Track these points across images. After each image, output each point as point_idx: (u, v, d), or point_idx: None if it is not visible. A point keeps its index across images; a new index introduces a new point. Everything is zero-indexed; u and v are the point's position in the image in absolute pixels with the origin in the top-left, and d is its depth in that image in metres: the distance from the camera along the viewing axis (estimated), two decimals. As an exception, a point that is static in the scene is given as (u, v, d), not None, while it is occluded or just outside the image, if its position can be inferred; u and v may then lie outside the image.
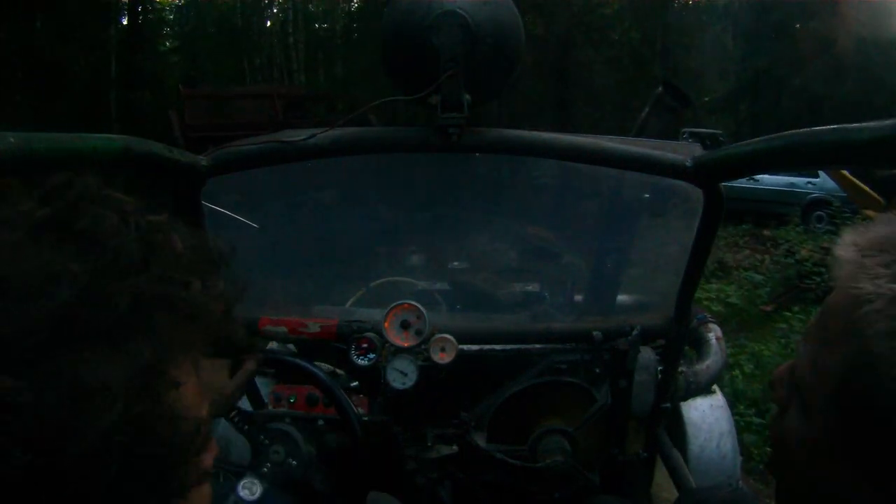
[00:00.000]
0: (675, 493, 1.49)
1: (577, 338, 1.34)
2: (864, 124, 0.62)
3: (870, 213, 6.49)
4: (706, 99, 15.87)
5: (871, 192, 7.39)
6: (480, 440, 1.33)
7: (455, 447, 1.33)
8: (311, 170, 1.40)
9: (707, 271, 5.97)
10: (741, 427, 3.09)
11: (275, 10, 20.38)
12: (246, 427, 1.21)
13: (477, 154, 1.24)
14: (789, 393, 0.56)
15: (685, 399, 1.51)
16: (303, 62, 18.54)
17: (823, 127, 0.69)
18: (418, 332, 1.29)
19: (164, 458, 0.36)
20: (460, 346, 1.30)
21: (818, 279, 5.40)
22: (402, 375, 1.27)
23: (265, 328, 1.31)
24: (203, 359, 0.42)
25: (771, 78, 14.45)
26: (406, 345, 1.28)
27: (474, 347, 1.35)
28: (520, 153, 1.15)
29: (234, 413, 1.20)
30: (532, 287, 1.93)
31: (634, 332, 1.29)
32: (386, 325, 1.29)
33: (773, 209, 8.90)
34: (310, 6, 20.26)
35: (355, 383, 1.31)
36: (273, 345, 1.53)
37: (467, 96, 1.04)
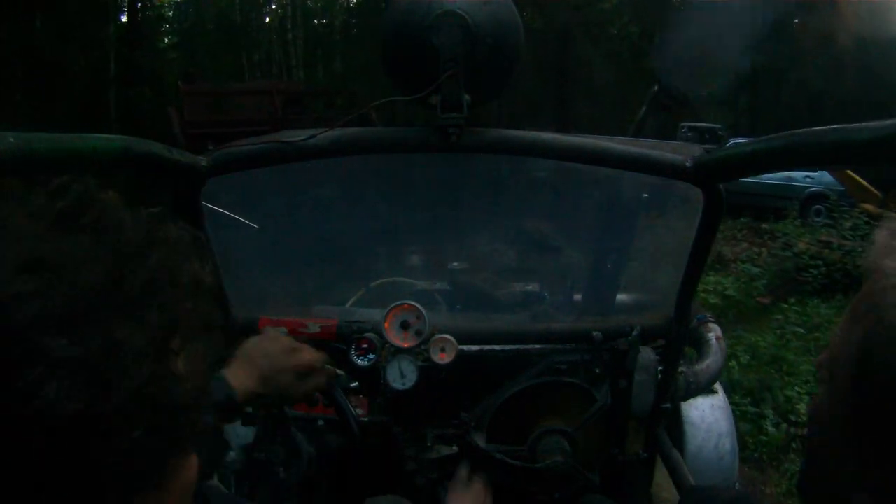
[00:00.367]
0: (675, 493, 1.49)
1: (577, 338, 1.34)
2: (865, 124, 0.62)
3: (867, 206, 6.54)
4: (705, 93, 15.89)
5: (868, 186, 7.45)
6: (480, 440, 1.33)
7: (455, 447, 1.33)
8: (311, 170, 1.40)
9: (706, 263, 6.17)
10: (736, 416, 3.00)
11: (273, 7, 20.38)
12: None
13: (477, 154, 1.23)
14: (828, 372, 0.57)
15: (685, 399, 1.52)
16: (301, 58, 18.52)
17: (824, 127, 0.69)
18: (418, 333, 1.29)
19: (180, 414, 0.43)
20: (460, 347, 1.30)
21: (815, 272, 5.48)
22: (401, 376, 1.27)
23: (265, 328, 1.31)
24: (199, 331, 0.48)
25: (769, 73, 14.47)
26: (406, 345, 1.28)
27: (474, 348, 1.35)
28: (520, 153, 1.15)
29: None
30: (532, 287, 1.93)
31: (634, 332, 1.29)
32: (386, 325, 1.29)
33: (771, 203, 8.95)
34: (308, 2, 20.24)
35: (355, 384, 1.31)
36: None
37: (467, 96, 1.04)
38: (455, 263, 1.96)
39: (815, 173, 9.83)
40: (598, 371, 1.34)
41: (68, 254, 0.40)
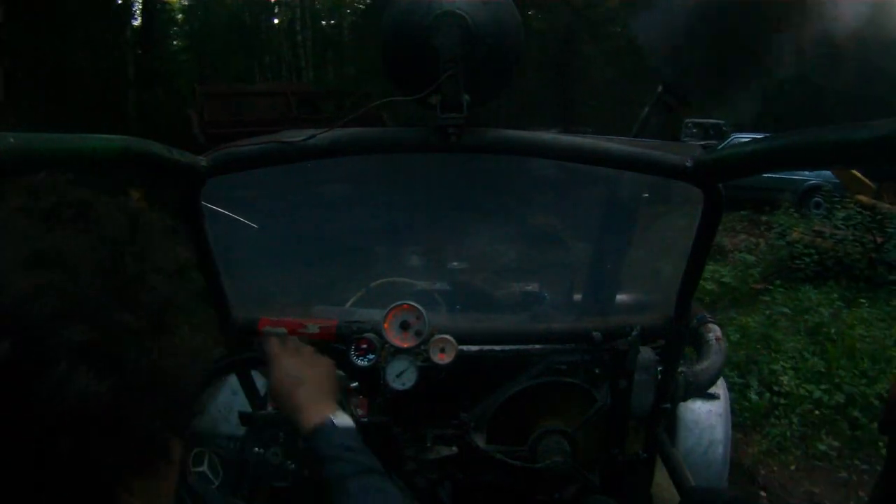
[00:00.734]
0: (675, 493, 1.49)
1: (577, 338, 1.34)
2: (864, 123, 0.61)
3: (861, 197, 6.65)
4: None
5: (863, 178, 7.58)
6: (480, 441, 1.33)
7: (455, 448, 1.33)
8: (311, 170, 1.40)
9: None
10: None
11: (282, 9, 20.30)
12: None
13: (477, 155, 1.23)
14: None
15: (685, 399, 1.51)
16: (311, 59, 18.44)
17: (823, 126, 0.69)
18: (418, 333, 1.29)
19: (180, 391, 0.46)
20: (460, 347, 1.29)
21: (808, 259, 5.73)
22: (401, 376, 1.27)
23: (265, 329, 1.31)
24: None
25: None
26: (405, 345, 1.28)
27: (474, 348, 1.35)
28: (519, 153, 1.15)
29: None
30: (532, 287, 1.92)
31: (634, 333, 1.29)
32: (385, 325, 1.29)
33: (771, 196, 9.04)
34: (316, 4, 20.13)
35: (355, 384, 1.31)
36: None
37: (467, 97, 1.04)
38: (455, 263, 1.96)
39: (815, 167, 9.91)
40: (597, 371, 1.34)
41: (63, 247, 0.42)
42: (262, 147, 1.12)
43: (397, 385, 1.26)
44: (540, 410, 1.36)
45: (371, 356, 1.28)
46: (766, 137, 0.84)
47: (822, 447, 3.19)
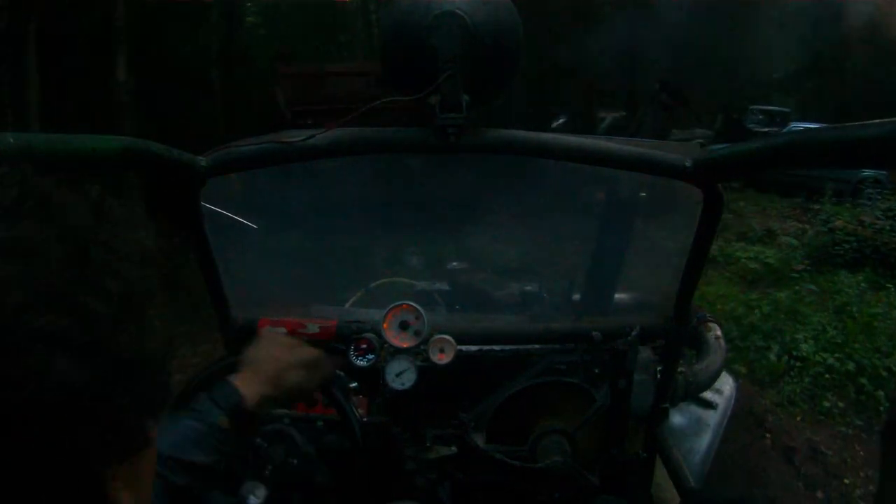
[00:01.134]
0: (675, 493, 1.49)
1: (577, 338, 1.34)
2: (866, 123, 0.61)
3: None
4: (774, 76, 15.90)
5: None
6: (480, 441, 1.33)
7: (454, 448, 1.33)
8: (311, 170, 1.40)
9: (755, 236, 7.06)
10: (751, 350, 4.17)
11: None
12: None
13: (476, 155, 1.23)
14: None
15: (685, 399, 1.51)
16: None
17: (824, 126, 0.69)
18: (417, 333, 1.29)
19: (154, 374, 0.47)
20: (459, 347, 1.30)
21: (847, 246, 6.10)
22: (401, 376, 1.27)
23: (265, 329, 1.31)
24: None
25: (831, 57, 14.36)
26: (405, 345, 1.28)
27: (473, 348, 1.35)
28: (519, 153, 1.15)
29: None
30: (531, 287, 1.93)
31: (634, 333, 1.29)
32: (385, 325, 1.29)
33: (826, 185, 9.12)
34: (388, -19, 19.16)
35: (354, 384, 1.31)
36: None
37: (466, 97, 1.04)
38: (454, 263, 1.96)
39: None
40: (597, 371, 1.34)
41: (28, 238, 0.42)
42: (262, 147, 1.12)
43: (397, 385, 1.26)
44: (540, 410, 1.36)
45: (371, 356, 1.28)
46: (766, 137, 0.84)
47: (827, 405, 3.58)
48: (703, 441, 1.77)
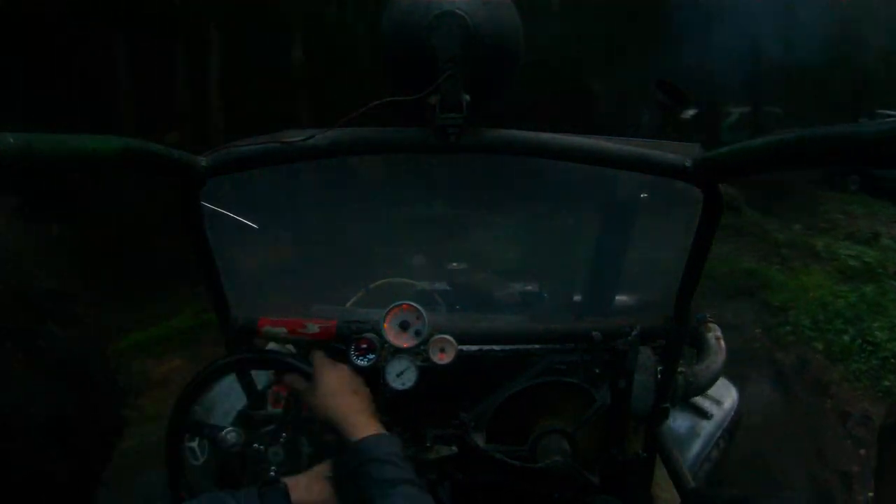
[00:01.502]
0: (675, 493, 1.49)
1: (577, 338, 1.34)
2: (867, 122, 0.61)
3: None
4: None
5: None
6: (480, 440, 1.33)
7: (454, 448, 1.33)
8: (311, 170, 1.40)
9: (861, 237, 7.47)
10: (831, 332, 4.72)
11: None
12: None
13: (476, 155, 1.23)
14: None
15: (685, 399, 1.51)
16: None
17: (825, 126, 0.69)
18: (417, 333, 1.29)
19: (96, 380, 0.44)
20: (460, 347, 1.30)
21: None
22: (401, 376, 1.27)
23: (265, 329, 1.31)
24: None
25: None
26: (405, 345, 1.28)
27: (474, 348, 1.35)
28: (519, 153, 1.15)
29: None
30: (531, 287, 1.93)
31: (634, 333, 1.29)
32: (385, 325, 1.29)
33: None
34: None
35: None
36: (272, 345, 1.53)
37: (466, 97, 1.04)
38: (454, 263, 1.96)
39: None
40: (597, 371, 1.34)
41: None
42: (262, 147, 1.12)
43: (397, 385, 1.27)
44: (540, 410, 1.36)
45: (371, 356, 1.28)
46: (766, 136, 0.83)
47: (888, 384, 4.07)
48: (692, 450, 1.76)
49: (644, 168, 1.14)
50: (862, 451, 3.46)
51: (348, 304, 1.76)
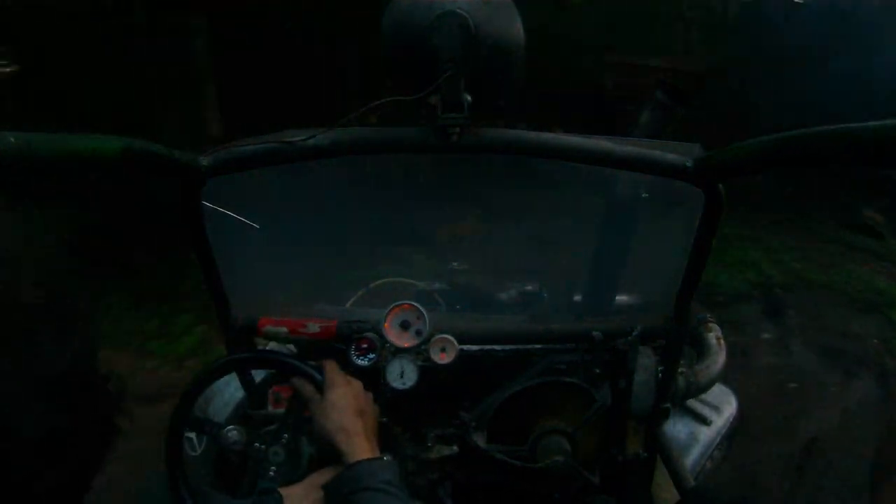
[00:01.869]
0: (675, 493, 1.49)
1: (577, 338, 1.34)
2: (866, 123, 0.61)
3: None
4: None
5: None
6: (480, 440, 1.33)
7: (455, 447, 1.33)
8: (312, 170, 1.39)
9: None
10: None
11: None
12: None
13: (477, 155, 1.23)
14: None
15: (686, 399, 1.51)
16: (696, 36, 15.57)
17: (825, 126, 0.69)
18: (418, 333, 1.29)
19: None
20: (460, 347, 1.30)
21: None
22: (401, 376, 1.27)
23: (265, 328, 1.31)
24: None
25: None
26: (406, 345, 1.28)
27: (474, 348, 1.35)
28: (520, 153, 1.15)
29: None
30: (532, 287, 1.92)
31: (634, 333, 1.29)
32: (386, 325, 1.29)
33: None
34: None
35: None
36: (273, 345, 1.53)
37: (467, 96, 1.04)
38: (455, 263, 1.96)
39: None
40: (597, 371, 1.34)
41: None
42: (263, 147, 1.12)
43: (398, 385, 1.27)
44: (540, 410, 1.36)
45: (371, 356, 1.28)
46: (766, 137, 0.83)
47: None
48: (691, 456, 1.76)
49: (644, 168, 1.14)
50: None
51: (349, 304, 1.76)
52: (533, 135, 1.13)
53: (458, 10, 1.00)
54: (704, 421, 1.82)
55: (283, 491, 1.05)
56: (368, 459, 1.03)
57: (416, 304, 1.30)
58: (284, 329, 1.30)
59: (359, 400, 1.15)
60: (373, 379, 1.26)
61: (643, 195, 1.56)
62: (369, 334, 1.29)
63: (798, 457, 3.18)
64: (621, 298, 1.70)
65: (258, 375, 1.43)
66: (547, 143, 1.13)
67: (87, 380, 0.46)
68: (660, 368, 1.34)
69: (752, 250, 5.95)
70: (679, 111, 1.48)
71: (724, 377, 1.59)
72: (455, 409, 1.34)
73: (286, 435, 1.21)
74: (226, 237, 1.31)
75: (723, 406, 1.89)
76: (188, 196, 1.14)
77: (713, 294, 5.38)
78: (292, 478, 1.17)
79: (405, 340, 1.28)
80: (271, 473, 1.18)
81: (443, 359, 1.28)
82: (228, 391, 1.73)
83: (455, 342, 1.29)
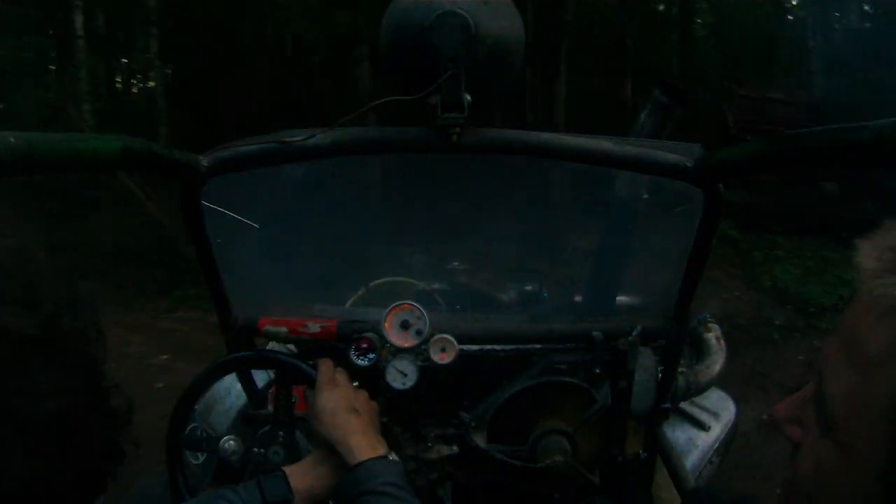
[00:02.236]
0: (675, 493, 1.49)
1: (577, 338, 1.34)
2: (866, 123, 0.61)
3: None
4: None
5: None
6: (480, 440, 1.33)
7: (455, 447, 1.33)
8: (312, 169, 1.40)
9: None
10: None
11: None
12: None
13: (477, 155, 1.23)
14: (815, 428, 0.47)
15: (685, 399, 1.51)
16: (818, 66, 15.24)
17: (825, 127, 0.69)
18: (418, 333, 1.29)
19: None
20: (460, 347, 1.30)
21: None
22: (401, 376, 1.27)
23: (265, 328, 1.31)
24: None
25: None
26: (406, 345, 1.28)
27: (474, 347, 1.35)
28: (520, 153, 1.15)
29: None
30: (532, 287, 1.92)
31: (634, 333, 1.29)
32: (386, 325, 1.29)
33: None
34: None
35: (355, 383, 1.31)
36: (273, 345, 1.53)
37: (467, 96, 1.04)
38: (455, 263, 1.96)
39: None
40: (598, 371, 1.34)
41: None
42: (263, 147, 1.12)
43: (397, 385, 1.27)
44: (540, 410, 1.36)
45: (371, 356, 1.28)
46: (766, 137, 0.83)
47: None
48: (690, 461, 1.75)
49: (644, 168, 1.14)
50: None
51: (349, 304, 1.76)
52: (533, 135, 1.13)
53: (457, 10, 0.99)
54: (703, 427, 1.82)
55: (287, 469, 1.03)
56: (370, 459, 1.00)
57: (415, 304, 1.30)
58: (284, 329, 1.30)
59: (349, 399, 1.11)
60: (373, 379, 1.26)
61: (644, 195, 1.56)
62: (369, 334, 1.29)
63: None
64: (621, 298, 1.70)
65: (261, 377, 1.44)
66: (547, 144, 1.13)
67: (87, 415, 0.45)
68: (660, 368, 1.34)
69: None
70: (678, 111, 1.48)
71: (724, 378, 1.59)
72: (455, 409, 1.34)
73: (281, 433, 1.21)
74: (226, 237, 1.31)
75: (721, 412, 1.89)
76: (188, 196, 1.14)
77: (806, 306, 5.73)
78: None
79: (405, 340, 1.28)
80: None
81: (443, 359, 1.28)
82: (229, 399, 1.73)
83: (455, 342, 1.29)
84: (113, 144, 0.81)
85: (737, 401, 1.96)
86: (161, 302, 6.40)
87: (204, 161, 1.10)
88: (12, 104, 9.13)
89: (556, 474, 1.31)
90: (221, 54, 9.19)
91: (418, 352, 1.28)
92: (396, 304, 1.31)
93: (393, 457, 1.05)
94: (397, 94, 1.09)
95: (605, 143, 1.13)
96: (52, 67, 10.79)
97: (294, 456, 1.20)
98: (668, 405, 1.40)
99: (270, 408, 1.30)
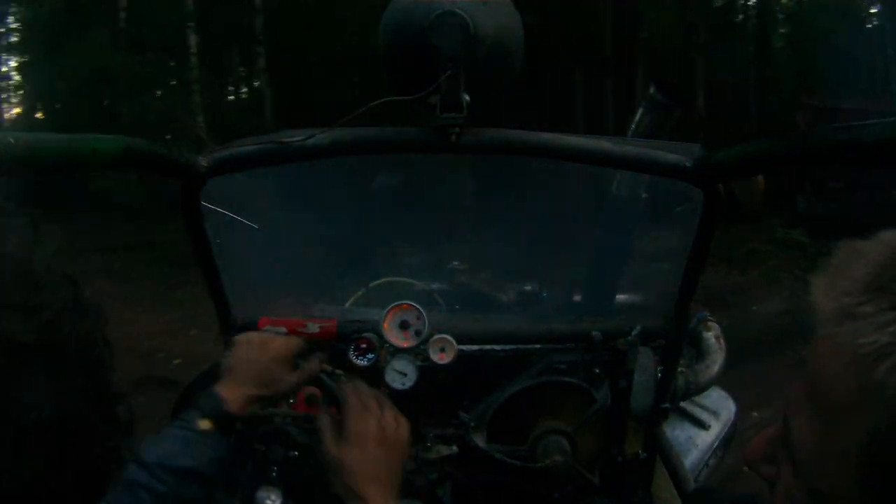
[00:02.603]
0: (675, 493, 1.49)
1: (577, 338, 1.35)
2: (868, 123, 0.61)
3: None
4: None
5: None
6: (480, 440, 1.33)
7: (455, 447, 1.33)
8: (312, 169, 1.39)
9: None
10: None
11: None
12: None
13: (476, 154, 1.23)
14: (787, 465, 0.46)
15: (685, 399, 1.51)
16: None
17: (826, 126, 0.69)
18: (417, 333, 1.29)
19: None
20: (460, 347, 1.30)
21: None
22: (401, 376, 1.27)
23: (265, 328, 1.30)
24: None
25: None
26: (405, 345, 1.28)
27: (474, 347, 1.35)
28: (519, 153, 1.15)
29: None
30: (531, 287, 1.92)
31: (634, 333, 1.29)
32: (385, 325, 1.29)
33: None
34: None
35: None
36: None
37: (466, 96, 1.04)
38: (455, 263, 1.96)
39: None
40: (597, 371, 1.34)
41: None
42: (262, 147, 1.12)
43: (397, 385, 1.27)
44: (540, 410, 1.36)
45: (370, 356, 1.28)
46: (766, 137, 0.83)
47: None
48: (690, 460, 1.76)
49: (644, 168, 1.14)
50: None
51: (348, 304, 1.75)
52: (533, 135, 1.13)
53: (457, 10, 0.99)
54: (703, 425, 1.83)
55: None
56: None
57: (415, 304, 1.30)
58: (284, 329, 1.30)
59: (383, 428, 1.00)
60: (372, 379, 1.26)
61: (643, 195, 1.56)
62: (368, 334, 1.30)
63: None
64: (621, 298, 1.70)
65: None
66: (547, 144, 1.13)
67: (87, 423, 0.45)
68: (659, 368, 1.34)
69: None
70: (677, 110, 1.48)
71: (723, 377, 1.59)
72: (454, 409, 1.34)
73: (278, 434, 1.21)
74: (226, 237, 1.31)
75: (721, 411, 1.89)
76: (188, 196, 1.14)
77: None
78: (295, 476, 1.17)
79: (404, 340, 1.28)
80: (273, 475, 1.18)
81: (442, 359, 1.28)
82: None
83: (454, 342, 1.29)
84: (113, 144, 0.81)
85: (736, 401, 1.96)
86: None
87: (203, 161, 1.10)
88: (139, 114, 9.73)
89: (555, 474, 1.31)
90: (321, 67, 10.22)
91: (418, 352, 1.29)
92: (396, 304, 1.31)
93: None
94: (396, 94, 1.09)
95: (604, 143, 1.13)
96: (173, 83, 11.73)
97: (294, 451, 1.20)
98: (667, 405, 1.40)
99: (270, 408, 1.30)
